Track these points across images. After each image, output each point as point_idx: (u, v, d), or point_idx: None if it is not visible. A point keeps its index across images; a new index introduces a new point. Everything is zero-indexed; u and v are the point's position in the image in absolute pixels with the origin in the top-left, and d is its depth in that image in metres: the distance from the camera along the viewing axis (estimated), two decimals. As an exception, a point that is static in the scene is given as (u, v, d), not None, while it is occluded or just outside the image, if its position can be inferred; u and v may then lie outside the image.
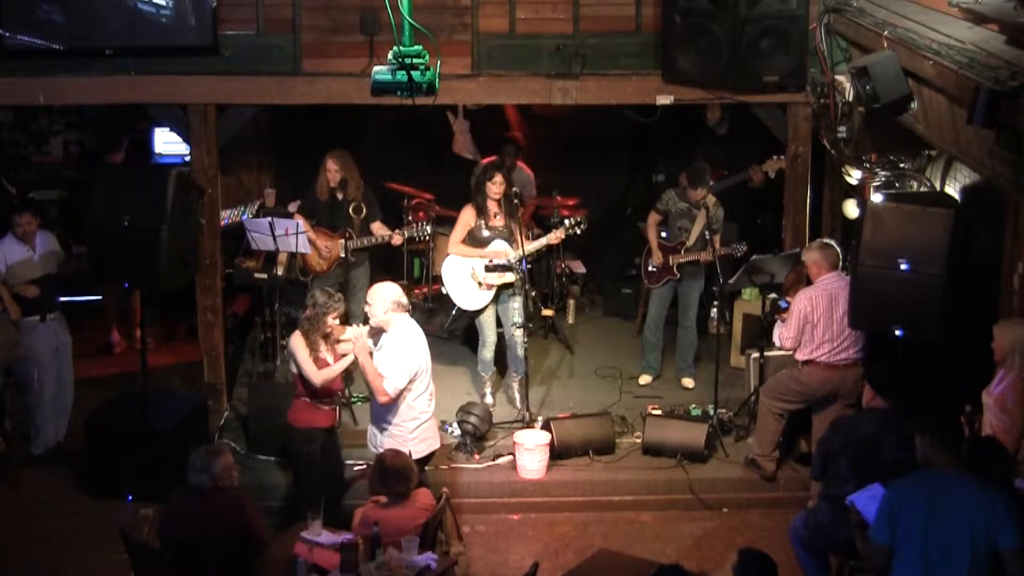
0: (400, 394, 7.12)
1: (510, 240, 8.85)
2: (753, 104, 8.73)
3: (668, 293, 9.39)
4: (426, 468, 7.46)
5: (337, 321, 7.33)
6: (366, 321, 7.37)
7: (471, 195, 9.03)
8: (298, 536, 6.46)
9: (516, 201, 8.90)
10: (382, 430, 7.27)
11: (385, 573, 6.07)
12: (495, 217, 8.92)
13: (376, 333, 7.30)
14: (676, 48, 8.41)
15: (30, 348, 8.38)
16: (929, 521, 5.24)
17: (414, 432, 7.23)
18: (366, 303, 7.33)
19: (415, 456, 7.00)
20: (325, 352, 7.32)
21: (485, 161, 10.35)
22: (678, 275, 9.26)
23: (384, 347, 7.22)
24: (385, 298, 7.19)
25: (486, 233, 8.91)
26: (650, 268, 9.39)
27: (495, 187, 8.81)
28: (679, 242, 9.26)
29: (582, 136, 11.24)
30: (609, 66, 8.65)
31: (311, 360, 7.22)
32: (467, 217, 8.97)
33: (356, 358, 7.22)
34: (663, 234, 9.32)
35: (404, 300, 7.25)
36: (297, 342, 7.27)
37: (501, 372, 9.28)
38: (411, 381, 7.13)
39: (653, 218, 9.41)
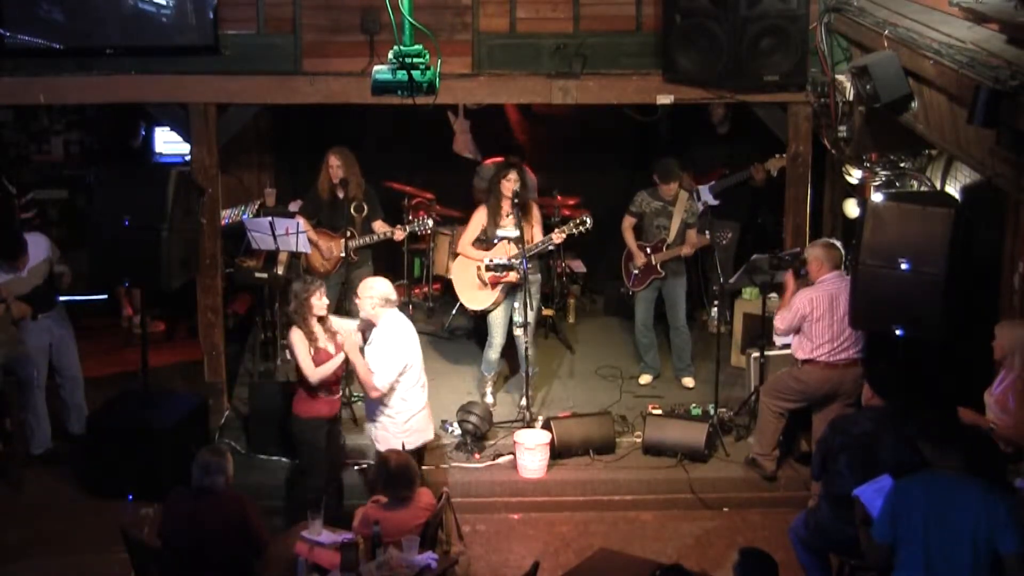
0: (391, 388, 7.24)
1: (519, 240, 8.82)
2: (753, 104, 8.72)
3: (652, 294, 9.37)
4: (423, 467, 7.61)
5: (325, 300, 7.38)
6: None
7: (484, 196, 9.01)
8: (298, 536, 6.46)
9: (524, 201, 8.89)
10: (376, 422, 7.40)
11: (386, 573, 6.08)
12: (506, 217, 8.91)
13: (367, 326, 7.37)
14: (676, 47, 8.41)
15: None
16: (930, 522, 5.23)
17: (407, 424, 7.36)
18: (356, 296, 7.42)
19: (408, 447, 7.22)
20: (326, 342, 7.37)
21: (488, 162, 10.36)
22: (663, 273, 9.24)
23: (374, 342, 7.32)
24: (374, 294, 7.30)
25: (497, 232, 8.91)
26: (633, 272, 9.37)
27: (509, 184, 8.79)
28: (659, 240, 9.25)
29: (583, 135, 11.23)
30: (609, 65, 8.65)
31: (309, 355, 7.27)
32: (480, 217, 8.96)
33: (347, 355, 7.32)
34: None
35: (393, 295, 7.37)
36: (295, 337, 7.32)
37: (511, 371, 9.26)
38: (401, 375, 7.24)
39: (628, 222, 9.38)
